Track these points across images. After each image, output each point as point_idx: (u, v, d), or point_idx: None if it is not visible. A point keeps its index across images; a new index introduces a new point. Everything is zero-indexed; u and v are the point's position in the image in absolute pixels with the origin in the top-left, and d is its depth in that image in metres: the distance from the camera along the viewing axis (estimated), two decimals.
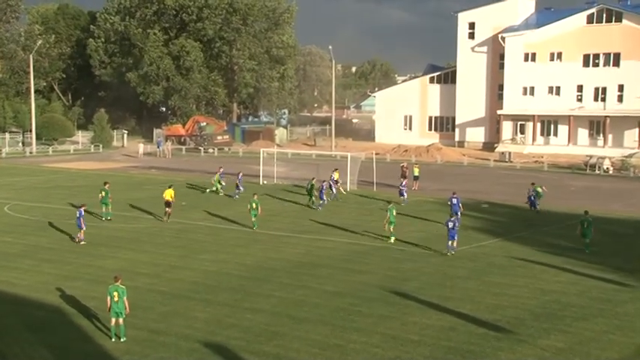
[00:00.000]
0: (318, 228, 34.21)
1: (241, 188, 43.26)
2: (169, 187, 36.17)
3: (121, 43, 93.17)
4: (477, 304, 22.16)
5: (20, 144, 79.62)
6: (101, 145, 79.37)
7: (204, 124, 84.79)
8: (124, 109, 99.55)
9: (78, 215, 30.40)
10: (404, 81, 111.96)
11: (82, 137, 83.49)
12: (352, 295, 22.86)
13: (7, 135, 79.07)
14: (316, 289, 23.57)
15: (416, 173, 48.78)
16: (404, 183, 42.32)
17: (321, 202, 39.73)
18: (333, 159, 60.72)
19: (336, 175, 44.81)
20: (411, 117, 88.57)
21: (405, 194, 41.47)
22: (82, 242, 30.17)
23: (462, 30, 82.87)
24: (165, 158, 71.49)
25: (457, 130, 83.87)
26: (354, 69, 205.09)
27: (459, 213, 32.89)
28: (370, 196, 44.14)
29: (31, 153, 74.33)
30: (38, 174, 56.23)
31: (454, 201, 33.53)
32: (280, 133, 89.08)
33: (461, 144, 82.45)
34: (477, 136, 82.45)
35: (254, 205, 33.41)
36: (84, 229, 30.37)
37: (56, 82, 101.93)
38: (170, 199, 35.34)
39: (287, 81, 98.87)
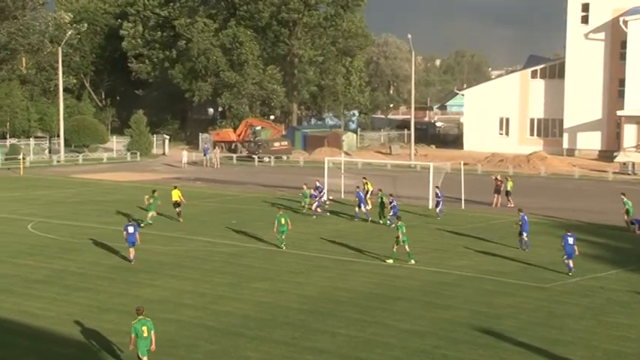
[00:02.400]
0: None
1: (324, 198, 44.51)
2: (175, 188, 42.32)
3: (162, 32, 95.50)
4: (592, 350, 21.65)
5: (46, 151, 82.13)
6: (139, 153, 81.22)
7: (259, 128, 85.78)
8: (166, 111, 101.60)
9: (132, 230, 31.73)
10: (499, 76, 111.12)
11: (116, 143, 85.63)
12: (435, 335, 22.61)
13: (32, 141, 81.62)
14: (391, 326, 23.42)
15: (508, 188, 48.41)
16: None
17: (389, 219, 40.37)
18: (412, 170, 60.59)
19: (369, 186, 45.39)
20: (507, 119, 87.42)
21: (440, 205, 42.29)
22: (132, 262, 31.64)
23: (573, 13, 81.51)
24: (213, 168, 72.53)
25: (566, 136, 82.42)
26: (438, 62, 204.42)
27: (572, 256, 31.18)
28: (457, 215, 43.86)
29: (58, 162, 76.56)
30: (66, 186, 57.76)
31: (570, 240, 30.71)
32: (349, 139, 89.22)
33: (570, 152, 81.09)
34: (590, 142, 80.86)
35: (282, 221, 34.40)
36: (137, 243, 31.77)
37: (88, 79, 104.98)
38: (178, 200, 41.36)
39: (357, 77, 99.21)
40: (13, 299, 26.27)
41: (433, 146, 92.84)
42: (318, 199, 43.88)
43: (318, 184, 45.23)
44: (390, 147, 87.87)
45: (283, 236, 34.65)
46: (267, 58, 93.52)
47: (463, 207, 46.05)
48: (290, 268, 31.05)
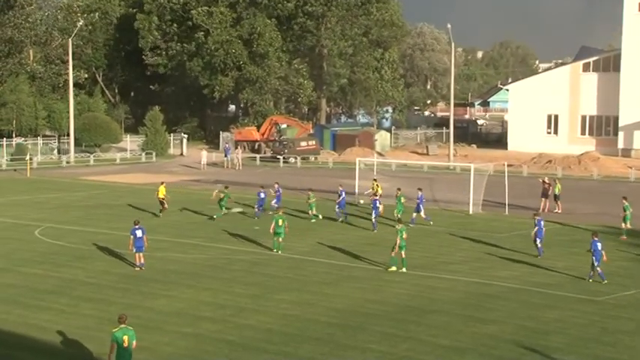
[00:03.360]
0: (429, 261, 34.08)
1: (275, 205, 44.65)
2: (162, 184, 45.63)
3: (179, 23, 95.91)
4: None
5: (55, 151, 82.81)
6: (154, 153, 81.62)
7: (285, 126, 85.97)
8: (184, 108, 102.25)
9: (141, 234, 31.97)
10: (547, 69, 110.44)
11: (130, 143, 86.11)
12: (476, 352, 22.50)
13: (40, 140, 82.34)
14: (428, 342, 23.35)
15: (556, 191, 48.14)
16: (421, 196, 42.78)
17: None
18: (452, 172, 60.34)
19: (379, 189, 45.43)
20: (556, 117, 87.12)
21: (421, 208, 42.21)
22: (142, 268, 31.94)
23: (630, 0, 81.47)
24: (235, 170, 72.77)
25: (621, 135, 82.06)
26: (479, 54, 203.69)
27: (599, 261, 30.99)
28: (500, 221, 43.75)
29: (68, 162, 77.07)
30: (76, 189, 58.19)
31: (598, 245, 30.84)
32: (382, 138, 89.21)
33: (626, 153, 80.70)
34: None
35: (279, 223, 34.94)
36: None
37: (100, 74, 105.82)
38: (164, 196, 44.80)
39: (391, 70, 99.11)
40: (19, 311, 26.39)
41: (474, 146, 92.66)
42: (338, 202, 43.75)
43: (340, 188, 44.98)
44: (427, 147, 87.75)
45: (280, 239, 35.14)
46: (292, 51, 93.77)
47: (507, 212, 45.83)
48: (318, 278, 31.04)
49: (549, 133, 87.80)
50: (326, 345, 23.12)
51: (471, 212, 45.93)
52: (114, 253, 35.12)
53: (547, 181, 48.37)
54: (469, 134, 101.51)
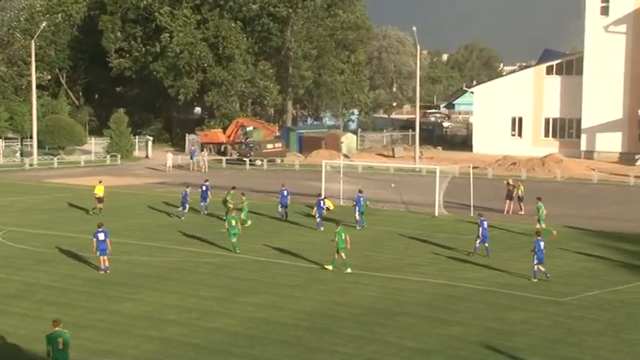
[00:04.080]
0: (396, 263, 34.23)
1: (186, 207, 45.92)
2: (99, 183, 47.74)
3: (143, 25, 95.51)
4: None
5: (18, 154, 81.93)
6: (119, 156, 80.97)
7: (251, 128, 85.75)
8: (149, 110, 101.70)
9: (104, 237, 31.78)
10: (512, 72, 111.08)
11: (95, 145, 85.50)
12: (442, 354, 22.60)
13: (2, 142, 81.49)
14: (394, 344, 23.43)
15: (520, 193, 48.52)
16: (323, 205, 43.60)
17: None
18: (417, 174, 60.55)
19: (328, 203, 46.22)
20: (520, 119, 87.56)
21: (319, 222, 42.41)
22: (107, 271, 31.68)
23: (592, 3, 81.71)
24: (201, 172, 72.39)
25: (583, 137, 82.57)
26: (445, 57, 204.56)
27: (541, 260, 31.28)
28: (466, 222, 43.91)
29: (31, 165, 76.24)
30: (40, 192, 57.60)
31: (541, 245, 31.23)
32: (348, 141, 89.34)
33: (589, 155, 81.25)
34: (611, 144, 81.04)
35: (233, 223, 35.57)
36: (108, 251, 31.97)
37: (64, 75, 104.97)
38: (102, 195, 46.65)
39: (357, 73, 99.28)
40: None
41: (440, 148, 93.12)
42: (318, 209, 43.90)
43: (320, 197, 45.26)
44: (393, 149, 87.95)
45: (234, 239, 35.58)
46: (258, 53, 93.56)
47: (472, 214, 45.94)
48: (285, 281, 31.10)
49: (513, 135, 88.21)
50: (293, 347, 23.11)
51: (436, 214, 46.19)
52: (78, 256, 34.89)
53: (511, 183, 48.67)
54: (435, 137, 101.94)
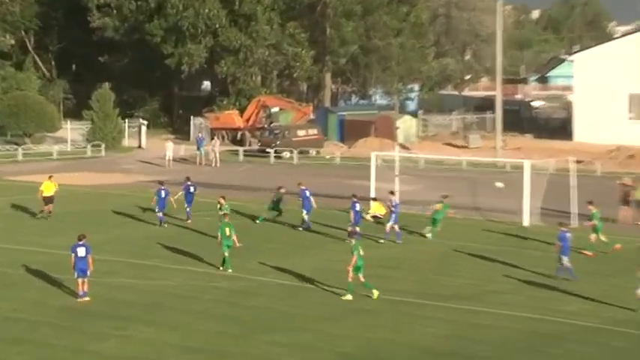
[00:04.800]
0: (471, 290, 32.62)
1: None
2: (49, 178, 45.78)
3: None
4: None
5: None
6: (103, 145, 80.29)
7: (277, 109, 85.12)
8: (142, 85, 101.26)
9: (84, 253, 30.46)
10: (626, 34, 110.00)
11: (72, 131, 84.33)
12: None
13: None
14: None
15: (637, 196, 46.81)
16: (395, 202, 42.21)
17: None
18: (499, 170, 59.92)
19: (376, 208, 45.14)
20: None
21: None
22: (85, 299, 30.42)
23: None
24: (211, 167, 72.14)
25: None
26: (535, 14, 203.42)
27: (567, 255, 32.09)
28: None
29: None
30: (0, 192, 57.09)
31: (567, 236, 33.33)
32: (406, 126, 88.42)
33: None
34: None
35: (226, 232, 34.93)
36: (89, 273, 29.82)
37: (31, 40, 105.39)
38: (53, 194, 45.49)
39: (418, 35, 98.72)
40: None
41: (529, 136, 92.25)
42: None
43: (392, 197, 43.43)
44: (466, 137, 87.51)
45: (227, 253, 34.77)
46: (286, 10, 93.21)
47: (576, 224, 44.60)
48: (320, 312, 29.45)
49: (631, 118, 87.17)
50: None
51: (526, 224, 44.66)
52: (49, 277, 32.66)
53: (629, 183, 46.45)
54: (523, 120, 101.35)
